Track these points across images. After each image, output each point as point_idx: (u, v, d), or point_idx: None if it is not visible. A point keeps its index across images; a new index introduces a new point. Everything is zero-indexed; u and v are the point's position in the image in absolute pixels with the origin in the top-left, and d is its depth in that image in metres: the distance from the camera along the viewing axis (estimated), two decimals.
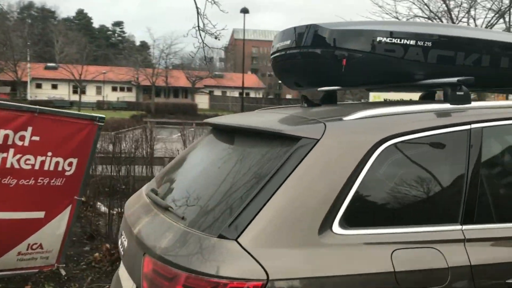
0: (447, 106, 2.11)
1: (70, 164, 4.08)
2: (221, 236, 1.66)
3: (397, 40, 2.26)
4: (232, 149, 2.25)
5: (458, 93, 2.13)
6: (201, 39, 6.81)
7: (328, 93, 2.96)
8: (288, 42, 2.49)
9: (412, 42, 2.27)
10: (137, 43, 76.78)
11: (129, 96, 60.32)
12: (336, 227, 1.73)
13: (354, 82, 2.58)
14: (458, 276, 1.77)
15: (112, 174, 6.11)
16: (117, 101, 55.58)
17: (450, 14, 13.91)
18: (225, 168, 2.08)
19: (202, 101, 57.65)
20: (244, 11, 30.26)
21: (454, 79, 2.15)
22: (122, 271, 2.26)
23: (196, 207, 1.93)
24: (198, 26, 6.67)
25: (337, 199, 1.74)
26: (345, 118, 1.96)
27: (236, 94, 61.11)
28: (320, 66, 2.40)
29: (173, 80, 55.47)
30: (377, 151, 1.84)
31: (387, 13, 13.96)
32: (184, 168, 2.47)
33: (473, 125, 2.00)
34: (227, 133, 2.39)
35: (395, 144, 1.88)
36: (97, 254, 4.88)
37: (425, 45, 2.28)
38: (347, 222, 1.75)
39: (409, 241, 1.78)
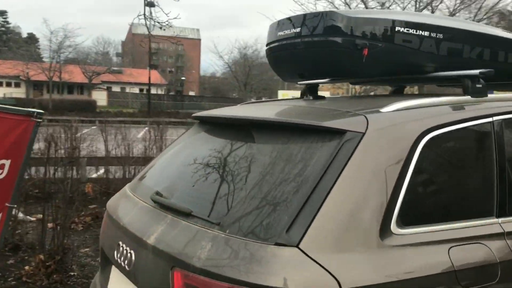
0: (469, 98, 2.08)
1: (1, 167, 3.55)
2: (279, 243, 1.49)
3: (415, 31, 2.21)
4: (250, 146, 2.00)
5: (477, 85, 2.10)
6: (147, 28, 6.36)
7: (311, 86, 2.84)
8: (296, 30, 2.33)
9: (431, 34, 2.23)
10: (24, 35, 70.97)
11: (18, 92, 55.52)
12: (394, 227, 1.63)
13: (372, 73, 2.44)
14: (507, 271, 1.75)
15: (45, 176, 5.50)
16: (4, 98, 50.81)
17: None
18: (252, 167, 1.85)
19: (99, 98, 54.85)
20: (150, 4, 29.22)
21: (476, 71, 2.12)
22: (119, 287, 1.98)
23: (232, 211, 1.69)
24: (145, 15, 6.23)
25: (392, 196, 1.64)
26: (383, 110, 1.85)
27: (136, 90, 59.15)
28: (339, 56, 2.24)
29: (67, 75, 52.17)
30: (420, 144, 1.76)
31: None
32: (189, 167, 2.15)
33: (495, 118, 2.01)
34: (236, 128, 2.16)
35: (435, 136, 1.81)
36: (27, 267, 4.33)
37: (441, 37, 2.25)
38: (402, 221, 1.65)
39: (461, 238, 1.74)
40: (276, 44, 2.48)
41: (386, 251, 1.59)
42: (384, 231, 1.60)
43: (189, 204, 1.86)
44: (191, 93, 72.95)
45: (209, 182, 1.97)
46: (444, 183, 1.88)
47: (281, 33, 2.44)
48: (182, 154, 2.37)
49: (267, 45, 2.64)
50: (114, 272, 2.09)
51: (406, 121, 1.84)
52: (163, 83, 67.51)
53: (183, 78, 76.40)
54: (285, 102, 2.53)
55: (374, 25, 2.21)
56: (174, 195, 2.04)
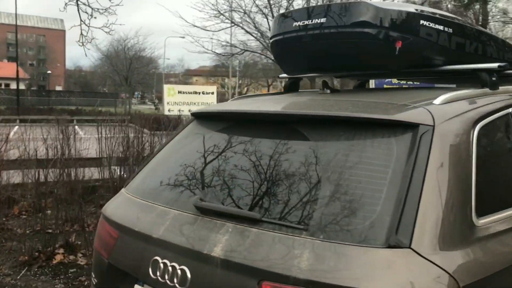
0: (488, 90, 2.15)
1: None
2: (392, 246, 1.41)
3: (434, 25, 2.26)
4: (307, 144, 1.85)
5: (493, 78, 2.18)
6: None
7: (294, 81, 2.84)
8: (319, 20, 2.23)
9: (445, 28, 2.30)
10: None
11: None
12: (475, 219, 1.64)
13: (401, 66, 2.39)
14: None
15: None
16: None
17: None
18: (320, 167, 1.71)
19: None
20: None
21: (494, 65, 2.19)
22: None
23: (318, 215, 1.56)
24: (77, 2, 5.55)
25: (469, 187, 1.66)
26: (436, 103, 1.84)
27: None
28: (370, 48, 2.17)
29: None
30: (475, 133, 1.81)
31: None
32: (237, 170, 1.91)
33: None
34: (279, 125, 2.00)
35: (484, 125, 1.88)
36: None
37: (451, 32, 2.34)
38: (480, 211, 1.68)
39: None
40: (290, 35, 2.38)
41: (479, 243, 1.61)
42: (470, 223, 1.62)
43: (254, 210, 1.71)
44: (58, 88, 67.79)
45: (271, 185, 1.78)
46: (503, 167, 1.99)
47: (298, 23, 2.33)
48: (211, 156, 2.08)
49: (274, 37, 2.54)
50: None
51: (461, 112, 1.85)
52: (26, 77, 61.75)
53: (48, 71, 70.55)
54: (301, 96, 2.45)
55: (405, 17, 2.21)
56: (224, 201, 1.82)
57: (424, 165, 1.57)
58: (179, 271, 1.67)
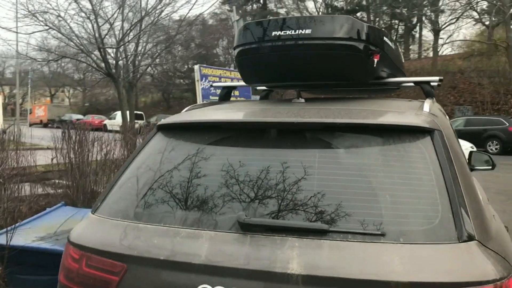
0: (434, 100, 2.41)
1: None
2: (467, 239, 1.53)
3: (390, 43, 2.60)
4: (333, 150, 1.85)
5: (432, 90, 2.53)
6: None
7: (228, 90, 3.02)
8: (307, 31, 2.23)
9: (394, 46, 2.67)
10: None
11: None
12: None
13: (372, 77, 2.56)
14: None
15: None
16: None
17: None
18: (364, 172, 1.77)
19: None
20: None
21: (436, 78, 2.53)
22: None
23: (384, 219, 1.60)
24: None
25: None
26: (427, 110, 2.07)
27: None
28: (354, 59, 2.31)
29: None
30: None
31: None
32: (274, 183, 1.77)
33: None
34: (297, 133, 1.93)
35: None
36: None
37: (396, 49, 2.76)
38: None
39: None
40: (268, 44, 2.39)
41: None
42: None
43: (303, 220, 1.66)
44: None
45: (324, 195, 1.70)
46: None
47: (278, 33, 2.32)
48: (225, 168, 1.88)
49: (242, 45, 2.51)
50: None
51: (444, 118, 2.17)
52: None
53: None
54: (278, 104, 2.47)
55: (377, 33, 2.42)
56: (273, 216, 1.69)
57: (450, 164, 1.72)
58: None
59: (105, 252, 1.76)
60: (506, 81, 26.06)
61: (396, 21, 37.15)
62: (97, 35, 12.34)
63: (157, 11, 12.93)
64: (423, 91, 2.59)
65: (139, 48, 13.77)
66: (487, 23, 32.32)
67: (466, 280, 1.41)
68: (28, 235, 3.97)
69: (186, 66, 36.98)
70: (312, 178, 1.75)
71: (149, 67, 19.73)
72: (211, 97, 10.78)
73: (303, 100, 2.38)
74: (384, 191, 1.68)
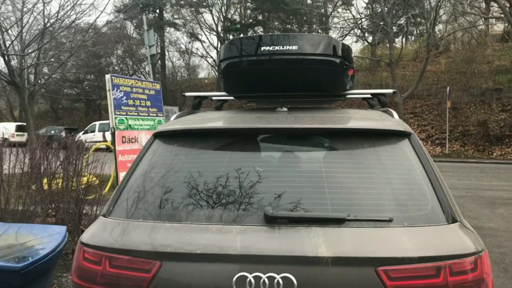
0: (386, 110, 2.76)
1: None
2: (452, 221, 1.89)
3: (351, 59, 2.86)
4: (336, 152, 2.16)
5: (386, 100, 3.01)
6: None
7: (200, 99, 3.19)
8: (293, 47, 2.46)
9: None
10: None
11: None
12: None
13: (344, 89, 2.92)
14: None
15: None
16: None
17: None
18: (365, 170, 2.06)
19: None
20: None
21: (390, 91, 2.97)
22: None
23: (390, 208, 1.92)
24: None
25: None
26: (396, 118, 2.47)
27: None
28: (334, 74, 2.62)
29: None
30: None
31: None
32: (293, 179, 2.04)
33: None
34: (299, 138, 2.18)
35: None
36: None
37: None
38: None
39: None
40: (256, 58, 2.57)
41: None
42: None
43: (322, 212, 1.89)
44: None
45: (334, 189, 1.98)
46: None
47: (268, 48, 2.51)
48: (243, 170, 2.04)
49: (231, 59, 2.67)
50: None
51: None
52: None
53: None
54: (265, 112, 2.65)
55: (349, 50, 2.76)
56: (294, 209, 1.90)
57: (426, 160, 2.06)
58: (280, 280, 1.69)
59: (134, 251, 1.83)
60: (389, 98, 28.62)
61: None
62: (0, 42, 11.46)
63: (60, 18, 12.32)
64: (379, 101, 2.97)
65: (40, 56, 12.98)
66: (370, 39, 35.30)
67: (456, 253, 1.76)
68: None
69: (80, 76, 35.17)
70: (321, 175, 2.01)
71: (41, 76, 18.54)
72: (123, 107, 10.54)
73: (286, 109, 2.60)
74: (384, 184, 1.99)
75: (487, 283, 1.78)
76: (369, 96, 3.09)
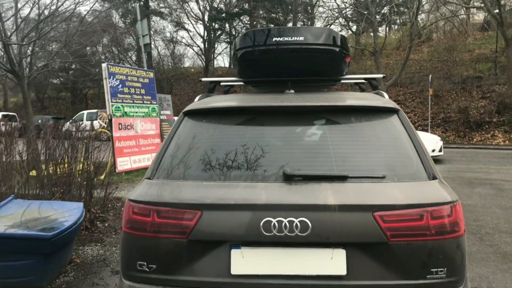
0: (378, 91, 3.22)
1: None
2: (433, 178, 2.34)
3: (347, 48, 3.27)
4: (339, 125, 2.58)
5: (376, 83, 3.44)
6: None
7: (214, 84, 3.63)
8: (300, 38, 2.91)
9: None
10: None
11: None
12: None
13: (342, 74, 3.39)
14: None
15: None
16: None
17: None
18: (362, 138, 2.51)
19: None
20: None
21: (381, 75, 3.53)
22: (284, 255, 2.20)
23: (382, 167, 2.35)
24: None
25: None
26: (387, 98, 2.92)
27: None
28: (334, 61, 3.08)
29: None
30: None
31: None
32: (299, 146, 2.50)
33: None
34: (309, 114, 2.61)
35: None
36: None
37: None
38: None
39: None
40: (269, 47, 3.01)
41: None
42: None
43: (330, 171, 2.35)
44: None
45: (338, 153, 2.44)
46: None
47: (279, 39, 2.95)
48: (264, 140, 2.51)
49: (247, 48, 3.11)
50: (255, 252, 2.20)
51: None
52: None
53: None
54: (273, 94, 3.08)
55: (345, 41, 3.21)
56: (303, 168, 2.35)
57: (412, 131, 2.52)
58: (298, 223, 2.14)
59: (179, 204, 2.27)
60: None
61: (273, 25, 39.27)
62: (1, 30, 11.65)
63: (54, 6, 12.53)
64: (371, 85, 3.44)
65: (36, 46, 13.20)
66: (354, 28, 35.86)
67: (436, 202, 2.22)
68: None
69: (65, 65, 35.08)
70: (326, 143, 2.47)
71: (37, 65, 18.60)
72: (119, 95, 10.88)
73: (293, 91, 3.05)
74: (378, 150, 2.45)
75: (460, 225, 2.25)
76: (362, 80, 3.56)
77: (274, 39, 3.01)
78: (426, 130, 23.49)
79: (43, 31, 12.49)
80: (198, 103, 2.89)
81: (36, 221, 4.33)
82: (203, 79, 3.74)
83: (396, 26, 42.25)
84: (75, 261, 4.87)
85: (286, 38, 2.99)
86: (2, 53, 11.63)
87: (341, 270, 2.15)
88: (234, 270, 2.18)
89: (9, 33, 12.10)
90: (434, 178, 2.34)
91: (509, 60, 24.31)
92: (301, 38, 2.98)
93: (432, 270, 2.16)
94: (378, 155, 2.44)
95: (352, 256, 2.16)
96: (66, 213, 4.65)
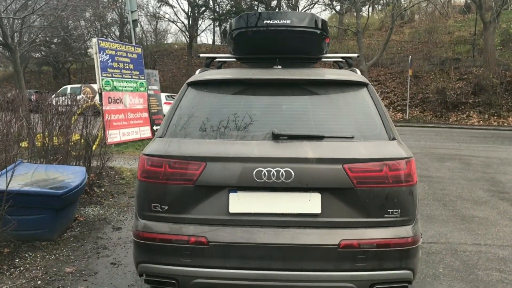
0: (352, 69, 3.74)
1: None
2: (392, 139, 2.83)
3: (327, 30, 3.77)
4: (317, 95, 3.07)
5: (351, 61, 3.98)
6: None
7: (211, 59, 4.15)
8: (287, 21, 3.40)
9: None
10: None
11: None
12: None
13: (321, 52, 3.88)
14: None
15: None
16: None
17: None
18: (334, 108, 3.00)
19: None
20: None
21: (355, 55, 4.03)
22: (270, 198, 2.71)
23: (353, 129, 2.85)
24: None
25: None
26: (359, 73, 3.41)
27: None
28: (315, 41, 3.55)
29: None
30: None
31: None
32: (284, 111, 2.98)
33: None
34: (290, 86, 3.09)
35: None
36: None
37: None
38: None
39: None
40: (260, 28, 3.50)
41: None
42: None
43: (309, 131, 2.84)
44: None
45: (311, 119, 2.93)
46: None
47: (268, 21, 3.45)
48: (251, 104, 3.04)
49: (241, 29, 3.60)
50: (248, 195, 2.71)
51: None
52: None
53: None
54: (263, 69, 3.53)
55: (325, 24, 3.64)
56: (288, 129, 2.83)
57: (378, 102, 3.04)
58: (283, 172, 2.65)
59: (187, 156, 2.78)
60: (355, 62, 29.81)
61: (257, 2, 39.41)
62: None
63: None
64: (347, 63, 3.97)
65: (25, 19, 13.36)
66: (337, 8, 36.22)
67: (394, 157, 2.74)
68: (11, 183, 4.53)
69: (47, 39, 34.79)
70: (307, 110, 2.99)
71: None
72: (108, 70, 11.21)
73: (280, 67, 3.56)
74: (349, 116, 2.97)
75: (413, 177, 2.80)
76: (340, 59, 4.08)
77: (264, 21, 3.50)
78: (405, 110, 24.26)
79: (35, 6, 12.65)
80: (199, 75, 3.38)
81: (45, 181, 4.80)
82: (201, 55, 4.18)
83: (379, 7, 42.75)
84: (79, 219, 5.36)
85: (275, 21, 3.48)
86: None
87: (317, 209, 2.69)
88: (232, 209, 2.72)
89: (2, 7, 12.22)
90: (394, 139, 2.86)
91: (486, 43, 25.09)
92: (288, 21, 3.48)
93: (389, 210, 2.72)
94: (349, 120, 2.95)
95: (326, 199, 2.70)
96: (71, 175, 5.12)
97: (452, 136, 16.96)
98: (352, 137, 2.80)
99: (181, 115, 3.04)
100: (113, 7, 36.30)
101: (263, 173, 2.67)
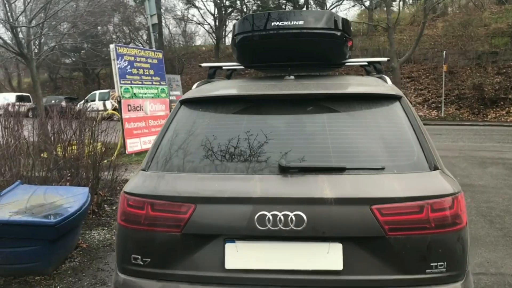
0: (382, 76, 3.11)
1: None
2: (434, 169, 2.24)
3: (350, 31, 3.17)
4: (339, 113, 2.48)
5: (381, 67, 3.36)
6: None
7: (215, 69, 3.58)
8: (300, 22, 2.80)
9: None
10: None
11: None
12: None
13: (344, 58, 3.30)
14: None
15: None
16: None
17: None
18: (361, 128, 2.42)
19: None
20: None
21: (385, 59, 3.33)
22: (284, 249, 2.15)
23: (382, 158, 2.26)
24: None
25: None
26: (389, 84, 2.83)
27: None
28: (336, 45, 2.96)
29: None
30: None
31: None
32: (298, 136, 2.39)
33: None
34: (307, 102, 2.51)
35: None
36: None
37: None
38: None
39: None
40: (268, 32, 2.93)
41: None
42: None
43: (326, 162, 2.27)
44: None
45: (335, 143, 2.34)
46: None
47: (278, 23, 2.86)
48: (260, 130, 2.41)
49: (246, 33, 3.02)
50: (249, 246, 2.14)
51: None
52: None
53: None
54: (274, 80, 2.97)
55: (348, 24, 3.05)
56: (301, 160, 2.27)
57: (414, 119, 2.42)
58: (293, 217, 2.08)
59: (173, 197, 2.22)
60: (385, 63, 28.82)
61: (284, 1, 38.65)
62: (9, 13, 11.64)
63: None
64: (375, 68, 3.34)
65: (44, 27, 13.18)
66: (367, 4, 35.17)
67: (437, 194, 2.14)
68: (2, 211, 4.10)
69: (77, 45, 35.03)
70: (325, 133, 2.38)
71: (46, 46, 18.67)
72: (127, 76, 10.83)
73: (293, 77, 2.96)
74: (378, 139, 2.36)
75: (461, 218, 2.18)
76: (366, 64, 3.45)
77: (273, 23, 2.92)
78: (440, 108, 23.17)
79: (51, 12, 12.41)
80: (195, 91, 2.83)
81: (42, 207, 4.35)
82: (203, 64, 3.63)
83: (410, 1, 41.36)
84: (81, 246, 4.91)
85: (285, 22, 2.89)
86: (10, 35, 11.61)
87: (338, 265, 2.10)
88: (228, 265, 2.15)
89: (15, 15, 12.04)
90: (436, 168, 2.25)
91: None
92: (301, 23, 2.88)
93: (431, 264, 2.11)
94: (377, 145, 2.34)
95: (349, 251, 2.11)
96: (71, 198, 4.66)
97: (492, 135, 15.89)
98: (383, 168, 2.20)
99: (170, 142, 2.49)
100: (140, 10, 36.26)
101: (267, 218, 2.10)
